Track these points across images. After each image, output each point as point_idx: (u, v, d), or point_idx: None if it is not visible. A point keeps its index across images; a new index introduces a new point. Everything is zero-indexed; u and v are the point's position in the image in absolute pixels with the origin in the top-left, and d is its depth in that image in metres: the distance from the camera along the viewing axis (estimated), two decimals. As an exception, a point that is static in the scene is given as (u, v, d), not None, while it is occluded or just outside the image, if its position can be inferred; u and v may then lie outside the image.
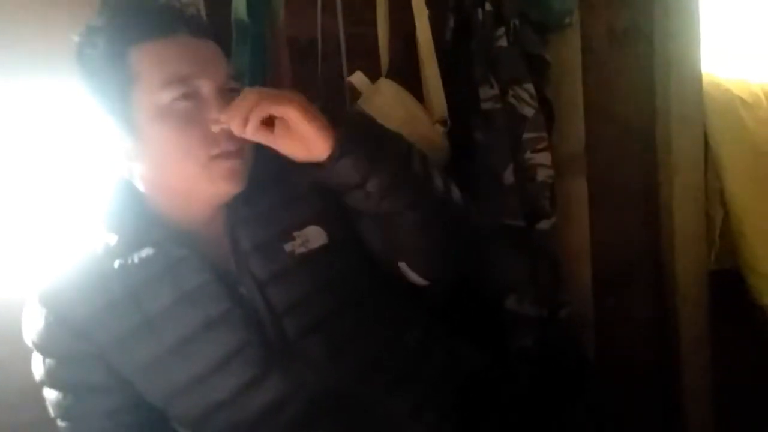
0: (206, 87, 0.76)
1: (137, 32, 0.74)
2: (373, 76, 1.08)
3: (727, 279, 1.39)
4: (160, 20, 0.76)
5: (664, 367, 1.41)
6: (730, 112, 1.35)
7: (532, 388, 1.07)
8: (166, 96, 0.74)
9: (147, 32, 0.75)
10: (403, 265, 0.83)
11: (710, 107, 1.34)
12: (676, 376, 1.39)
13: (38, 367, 0.79)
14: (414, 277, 0.84)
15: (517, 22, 1.06)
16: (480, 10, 1.06)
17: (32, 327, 0.79)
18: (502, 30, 1.06)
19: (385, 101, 1.02)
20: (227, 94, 0.77)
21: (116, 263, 0.78)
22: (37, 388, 0.81)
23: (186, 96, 0.74)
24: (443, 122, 1.02)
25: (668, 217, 1.36)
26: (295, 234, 0.80)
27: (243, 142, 0.76)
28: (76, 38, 0.76)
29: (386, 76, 1.08)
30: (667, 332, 1.40)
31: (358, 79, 1.03)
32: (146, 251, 0.78)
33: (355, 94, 1.06)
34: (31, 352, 0.80)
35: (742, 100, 1.36)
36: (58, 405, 0.79)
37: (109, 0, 0.78)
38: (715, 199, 1.37)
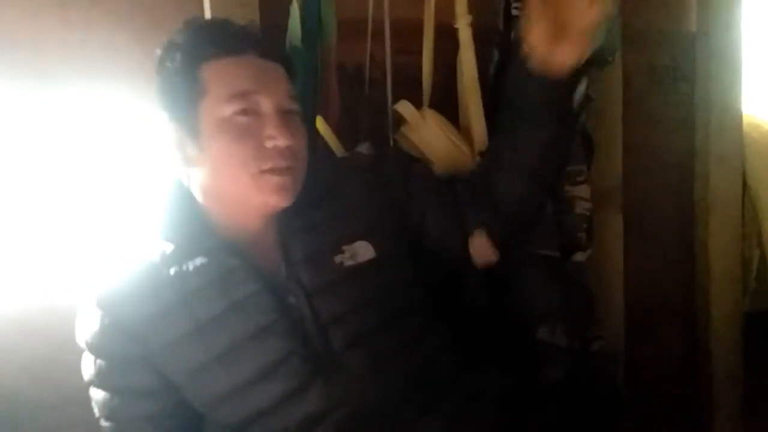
0: (266, 105, 0.81)
1: (210, 50, 0.81)
2: (417, 104, 1.11)
3: (763, 321, 1.37)
4: (232, 40, 0.82)
5: (694, 407, 1.39)
6: (770, 155, 1.35)
7: (560, 419, 1.07)
8: (229, 109, 0.79)
9: (219, 50, 0.81)
10: (479, 239, 0.92)
11: (750, 148, 1.35)
12: (707, 416, 1.37)
13: (89, 367, 0.83)
14: (486, 250, 0.93)
15: (560, 58, 1.08)
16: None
17: (87, 328, 0.82)
18: (545, 65, 1.08)
19: (430, 131, 1.05)
20: (285, 115, 0.82)
21: (171, 271, 0.82)
22: (82, 389, 0.84)
23: (246, 111, 0.80)
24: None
25: (704, 255, 1.36)
26: (344, 248, 0.84)
27: (293, 160, 0.81)
28: (158, 51, 0.83)
29: (428, 106, 1.11)
30: (699, 371, 1.39)
31: (404, 108, 1.06)
32: (200, 260, 0.81)
33: (399, 121, 1.09)
34: (79, 356, 0.84)
35: (782, 142, 1.36)
36: (104, 405, 0.82)
37: (191, 20, 0.85)
38: (752, 240, 1.37)
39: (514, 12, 1.09)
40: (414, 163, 1.02)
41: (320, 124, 1.04)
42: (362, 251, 0.84)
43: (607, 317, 1.28)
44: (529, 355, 1.06)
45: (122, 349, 0.81)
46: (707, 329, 1.36)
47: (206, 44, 0.81)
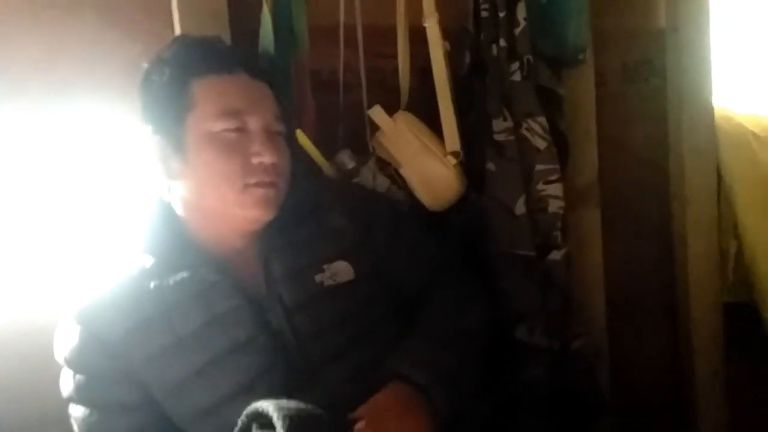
0: (254, 123, 0.83)
1: (202, 66, 0.82)
2: (393, 107, 1.11)
3: (742, 311, 1.39)
4: (224, 58, 0.84)
5: (679, 398, 1.40)
6: (743, 146, 1.37)
7: (543, 420, 1.08)
8: (218, 125, 0.81)
9: (211, 67, 0.82)
10: None
11: (723, 141, 1.36)
12: (691, 407, 1.38)
13: (67, 383, 0.82)
14: None
15: (530, 58, 1.09)
16: (495, 46, 1.09)
17: (66, 343, 0.82)
18: (516, 65, 1.09)
19: (401, 133, 1.06)
20: (272, 134, 0.84)
21: (152, 284, 0.82)
22: (63, 409, 0.83)
23: (236, 129, 0.81)
24: (455, 154, 1.05)
25: (682, 248, 1.37)
26: (325, 267, 0.85)
27: (277, 176, 0.83)
28: (145, 65, 0.85)
29: (405, 108, 1.12)
30: (682, 364, 1.40)
31: (376, 113, 1.07)
32: (181, 274, 0.82)
33: (375, 125, 1.09)
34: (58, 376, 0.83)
35: (755, 134, 1.39)
36: (83, 421, 0.81)
37: (179, 36, 0.86)
38: (729, 231, 1.39)
39: (484, 14, 1.10)
40: (403, 218, 0.99)
41: (300, 135, 1.05)
42: (342, 271, 0.85)
43: (589, 313, 1.29)
44: (509, 356, 1.07)
45: (101, 364, 0.80)
46: (688, 321, 1.37)
47: (197, 60, 0.83)
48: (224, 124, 0.81)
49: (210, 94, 0.81)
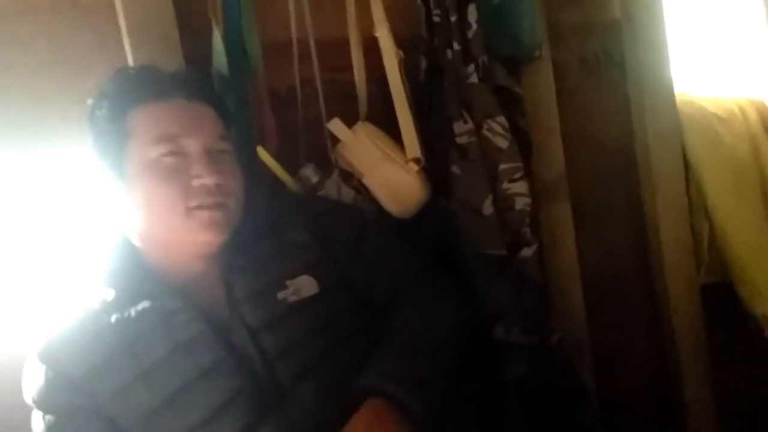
0: (192, 146, 0.82)
1: (136, 96, 0.82)
2: (353, 118, 1.12)
3: (720, 291, 1.40)
4: (158, 85, 0.84)
5: (664, 383, 1.41)
6: (706, 129, 1.39)
7: (528, 418, 1.08)
8: (155, 151, 0.80)
9: (145, 96, 0.82)
10: None
11: (686, 125, 1.38)
12: (677, 391, 1.39)
13: (38, 424, 0.81)
14: None
15: (485, 59, 1.10)
16: (449, 50, 1.10)
17: (32, 385, 0.81)
18: (472, 67, 1.10)
19: (362, 144, 1.06)
20: (215, 155, 0.83)
21: (113, 317, 0.81)
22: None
23: (173, 153, 0.81)
24: (417, 160, 1.05)
25: (654, 234, 1.38)
26: (288, 283, 0.84)
27: (223, 197, 0.81)
28: (89, 101, 0.85)
29: (365, 118, 1.12)
30: (665, 347, 1.41)
31: (335, 125, 1.07)
32: (142, 305, 0.81)
33: (335, 137, 1.09)
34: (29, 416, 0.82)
35: (717, 116, 1.40)
36: (58, 460, 0.81)
37: (119, 69, 0.87)
38: (700, 213, 1.40)
39: (436, 19, 1.11)
40: (368, 227, 0.97)
41: (261, 152, 1.05)
42: (306, 286, 0.85)
43: (567, 307, 1.29)
44: (488, 357, 1.07)
45: (68, 402, 0.80)
46: (667, 305, 1.38)
47: (133, 90, 0.83)
48: (160, 150, 0.80)
49: (145, 122, 0.81)
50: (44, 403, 0.81)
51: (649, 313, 1.41)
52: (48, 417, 0.81)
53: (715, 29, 1.54)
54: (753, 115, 1.43)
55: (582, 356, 1.29)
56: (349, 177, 1.08)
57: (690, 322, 1.38)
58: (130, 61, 1.03)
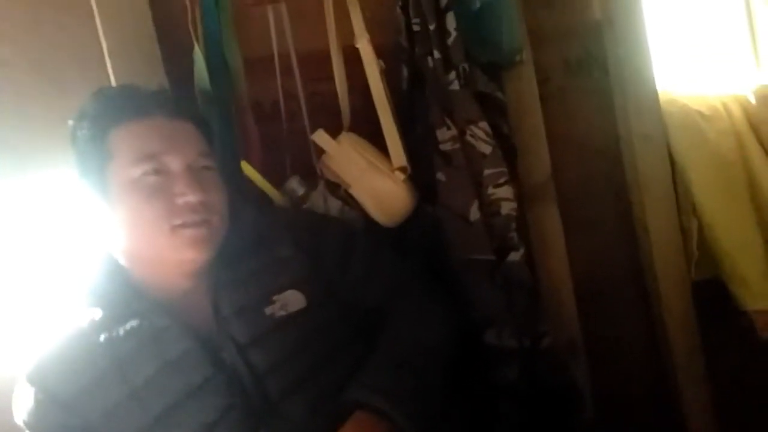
0: (175, 164, 0.82)
1: (117, 115, 0.83)
2: (337, 129, 1.12)
3: (711, 288, 1.40)
4: (137, 104, 0.84)
5: (659, 382, 1.41)
6: (691, 127, 1.39)
7: (523, 422, 1.08)
8: (137, 171, 0.80)
9: (125, 115, 0.83)
10: None
11: (671, 123, 1.38)
12: (672, 389, 1.39)
13: (30, 447, 0.81)
14: None
15: (466, 66, 1.11)
16: (430, 58, 1.11)
17: (23, 407, 0.81)
18: (453, 74, 1.10)
19: (346, 154, 1.06)
20: (198, 172, 0.83)
21: (102, 337, 0.81)
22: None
23: (155, 171, 0.81)
24: (403, 169, 1.06)
25: (644, 234, 1.39)
26: (275, 298, 0.85)
27: (207, 214, 0.82)
28: (70, 122, 0.85)
29: (349, 129, 1.13)
30: (659, 347, 1.41)
31: (320, 137, 1.07)
32: (130, 323, 0.81)
33: (320, 149, 1.10)
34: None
35: (701, 114, 1.40)
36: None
37: (99, 89, 0.87)
38: (688, 211, 1.40)
39: (415, 28, 1.11)
40: (355, 239, 0.98)
41: (246, 167, 1.05)
42: (293, 300, 0.85)
43: (559, 309, 1.30)
44: (480, 362, 1.07)
45: (59, 423, 0.80)
46: (659, 304, 1.38)
47: (112, 110, 0.83)
48: (142, 168, 0.80)
49: (126, 142, 0.82)
50: (35, 425, 0.81)
51: (642, 312, 1.41)
52: (39, 439, 0.80)
53: (697, 25, 1.55)
54: (737, 112, 1.43)
55: (576, 357, 1.29)
56: (336, 188, 1.09)
57: (683, 320, 1.38)
58: (113, 80, 1.04)
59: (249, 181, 1.06)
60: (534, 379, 1.10)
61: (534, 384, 1.10)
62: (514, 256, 1.10)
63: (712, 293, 1.40)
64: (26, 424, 0.82)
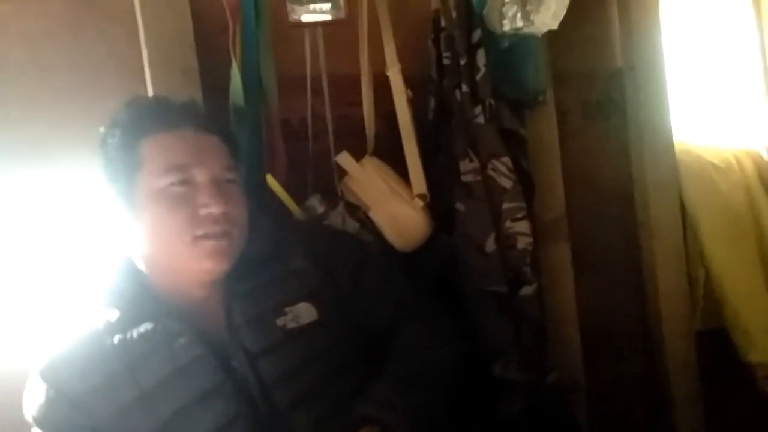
0: (201, 176, 0.84)
1: (148, 126, 0.85)
2: (361, 152, 1.15)
3: (715, 338, 1.41)
4: (168, 116, 0.86)
5: (659, 427, 1.41)
6: (704, 178, 1.42)
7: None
8: (164, 181, 0.82)
9: (156, 126, 0.84)
10: None
11: (684, 173, 1.41)
12: (671, 434, 1.39)
13: (37, 442, 0.82)
14: None
15: (492, 102, 1.14)
16: (458, 92, 1.14)
17: (33, 402, 0.82)
18: (479, 108, 1.13)
19: (369, 179, 1.09)
20: (222, 184, 0.85)
21: (116, 338, 0.82)
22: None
23: (182, 182, 0.83)
24: (422, 196, 1.08)
25: (652, 279, 1.40)
26: (287, 309, 0.85)
27: (228, 226, 0.84)
28: (101, 129, 0.87)
29: (372, 153, 1.15)
30: (659, 392, 1.42)
31: (343, 159, 1.10)
32: (144, 326, 0.82)
33: (343, 171, 1.12)
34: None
35: (714, 165, 1.44)
36: (54, 479, 0.81)
37: (132, 98, 0.89)
38: (696, 260, 1.42)
39: (446, 61, 1.15)
40: (369, 258, 0.98)
41: (270, 180, 1.07)
42: (305, 313, 0.86)
43: (563, 346, 1.31)
44: (486, 393, 1.08)
45: (68, 420, 0.80)
46: (662, 350, 1.39)
47: (144, 120, 0.85)
48: (169, 179, 0.82)
49: (156, 152, 0.83)
50: (44, 421, 0.81)
51: (645, 357, 1.42)
52: (47, 434, 0.81)
53: (714, 80, 1.59)
54: (749, 166, 1.47)
55: (577, 395, 1.30)
56: (355, 209, 1.10)
57: (684, 366, 1.39)
58: (150, 90, 1.06)
59: (271, 195, 1.08)
60: (537, 414, 1.11)
61: (537, 418, 1.10)
62: (527, 290, 1.11)
63: (716, 343, 1.41)
64: (35, 419, 0.82)
